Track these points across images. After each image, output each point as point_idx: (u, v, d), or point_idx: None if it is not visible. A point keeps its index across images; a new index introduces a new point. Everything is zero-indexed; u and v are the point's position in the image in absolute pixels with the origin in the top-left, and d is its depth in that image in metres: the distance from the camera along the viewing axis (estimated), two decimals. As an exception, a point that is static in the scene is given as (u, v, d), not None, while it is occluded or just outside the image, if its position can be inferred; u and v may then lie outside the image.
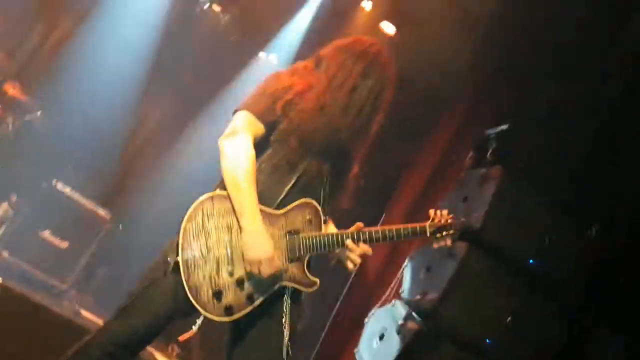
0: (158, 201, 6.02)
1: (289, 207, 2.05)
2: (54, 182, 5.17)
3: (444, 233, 2.18)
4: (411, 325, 2.71)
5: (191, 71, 6.58)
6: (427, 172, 3.67)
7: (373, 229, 2.12)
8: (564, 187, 3.17)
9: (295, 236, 2.03)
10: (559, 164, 3.25)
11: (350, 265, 2.13)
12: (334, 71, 2.16)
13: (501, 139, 3.00)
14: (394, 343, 2.73)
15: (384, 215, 3.59)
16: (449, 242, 2.20)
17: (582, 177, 3.24)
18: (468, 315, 2.75)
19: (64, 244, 5.17)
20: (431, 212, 2.21)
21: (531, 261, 2.90)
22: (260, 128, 2.05)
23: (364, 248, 2.11)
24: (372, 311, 3.07)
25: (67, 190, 5.24)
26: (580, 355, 3.27)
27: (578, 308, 3.06)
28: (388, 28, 5.55)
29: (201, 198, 1.97)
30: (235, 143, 1.98)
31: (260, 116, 2.05)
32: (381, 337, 2.86)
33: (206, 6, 6.83)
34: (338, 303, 3.59)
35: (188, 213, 1.94)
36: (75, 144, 5.86)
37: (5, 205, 5.07)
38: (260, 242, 1.92)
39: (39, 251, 4.96)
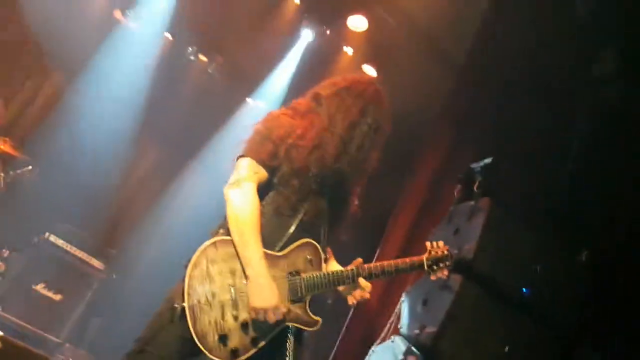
0: (151, 249, 6.03)
1: (289, 248, 2.12)
2: (46, 235, 5.18)
3: (441, 265, 2.27)
4: (411, 359, 2.74)
5: (180, 120, 6.71)
6: (417, 207, 3.77)
7: (372, 265, 2.19)
8: (552, 215, 3.28)
9: (297, 277, 2.10)
10: (544, 193, 3.37)
11: (351, 300, 2.20)
12: (334, 110, 2.24)
13: (486, 172, 3.11)
14: (396, 379, 2.75)
15: (378, 251, 3.65)
16: (445, 272, 2.28)
17: (568, 204, 3.36)
18: (467, 347, 2.79)
19: (58, 297, 5.14)
20: (427, 244, 2.30)
21: (524, 290, 2.97)
22: (263, 174, 2.13)
23: (364, 283, 2.18)
24: (373, 348, 3.09)
25: (60, 242, 5.25)
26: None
27: (569, 331, 3.12)
28: (370, 71, 5.76)
29: (204, 245, 2.03)
30: (241, 192, 2.06)
31: (263, 162, 2.12)
32: (383, 374, 2.89)
33: (193, 57, 7.02)
34: (337, 342, 3.60)
35: (192, 260, 1.99)
36: (67, 196, 5.88)
37: (-3, 261, 5.05)
38: (266, 292, 1.98)
39: (32, 305, 4.92)
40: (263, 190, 2.15)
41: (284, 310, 2.02)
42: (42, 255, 5.12)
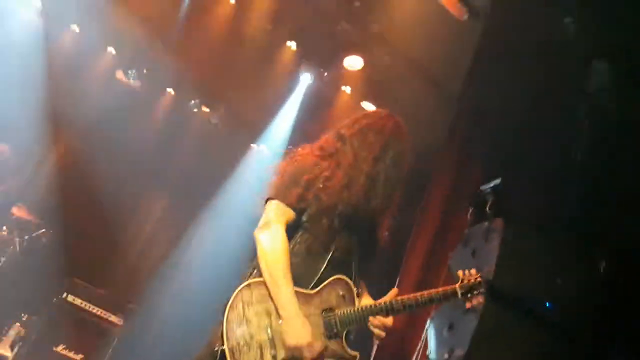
0: (168, 301, 6.03)
1: (322, 285, 2.17)
2: (64, 295, 5.21)
3: (475, 292, 2.28)
4: (444, 384, 2.74)
5: (187, 170, 6.85)
6: (431, 235, 3.81)
7: (405, 297, 2.22)
8: (566, 227, 3.32)
9: (331, 313, 2.14)
10: (555, 207, 3.42)
11: (377, 340, 2.24)
12: (358, 148, 2.30)
13: (496, 192, 3.18)
14: (431, 405, 2.74)
15: (397, 283, 3.68)
16: (481, 299, 2.31)
17: (581, 215, 3.40)
18: (498, 366, 2.78)
19: (79, 357, 5.13)
20: (460, 273, 2.32)
21: (548, 304, 2.98)
22: (291, 215, 2.20)
23: (383, 320, 2.20)
24: (403, 377, 3.09)
25: (78, 301, 5.28)
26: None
27: (596, 343, 3.10)
28: (369, 107, 5.92)
29: (239, 287, 2.10)
30: (270, 234, 2.13)
31: (291, 204, 2.19)
32: (416, 402, 2.87)
33: (195, 109, 7.23)
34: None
35: (229, 303, 2.06)
36: (81, 254, 5.94)
37: (17, 325, 5.07)
38: (299, 330, 2.03)
39: (54, 368, 4.91)
40: (292, 230, 2.21)
41: (318, 347, 2.05)
42: (61, 315, 5.15)
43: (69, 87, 6.37)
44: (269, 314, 2.07)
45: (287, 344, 2.02)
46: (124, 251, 6.49)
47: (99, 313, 5.33)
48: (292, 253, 2.16)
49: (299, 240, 2.21)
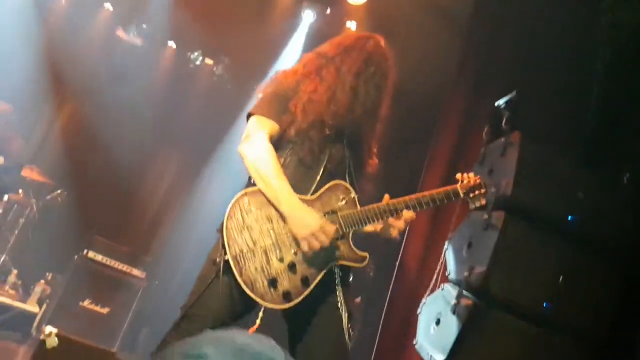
0: (187, 250, 6.07)
1: (320, 191, 2.12)
2: (85, 252, 5.26)
3: (477, 192, 2.29)
4: (465, 302, 2.68)
5: (196, 123, 6.76)
6: (447, 159, 3.70)
7: (407, 197, 2.18)
8: (585, 140, 3.18)
9: (334, 215, 2.09)
10: (575, 119, 3.28)
11: (394, 232, 2.21)
12: (340, 64, 2.28)
13: (512, 107, 3.03)
14: (452, 324, 2.69)
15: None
16: (483, 201, 2.31)
17: (600, 127, 3.26)
18: (519, 282, 2.70)
19: (105, 310, 5.22)
20: (458, 176, 2.32)
21: (570, 217, 2.87)
22: (274, 127, 2.15)
23: (408, 214, 2.18)
24: (423, 300, 3.04)
25: (99, 257, 5.33)
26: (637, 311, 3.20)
27: (630, 258, 3.00)
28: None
29: (235, 197, 2.03)
30: (251, 143, 2.07)
31: (272, 117, 2.15)
32: (437, 322, 2.82)
33: (198, 62, 7.08)
34: (385, 304, 3.56)
35: (227, 212, 2.00)
36: (99, 212, 5.98)
37: (42, 283, 5.16)
38: (306, 217, 1.97)
39: (82, 322, 5.00)
40: (281, 145, 2.17)
41: (332, 228, 1.99)
42: (83, 272, 5.22)
43: (69, 48, 6.27)
44: (270, 219, 2.01)
45: (300, 236, 1.96)
46: (142, 207, 6.52)
47: (120, 267, 5.39)
48: (284, 166, 2.12)
49: (289, 153, 2.16)
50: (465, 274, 2.74)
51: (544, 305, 2.74)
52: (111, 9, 6.64)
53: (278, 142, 2.17)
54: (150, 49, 6.78)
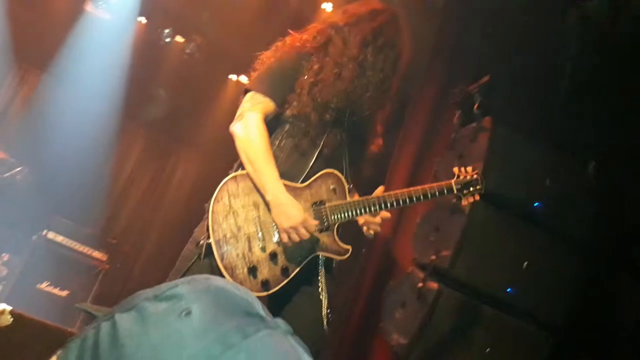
0: (151, 233, 5.94)
1: (311, 179, 2.05)
2: (44, 232, 5.08)
3: (471, 189, 2.16)
4: (430, 285, 2.67)
5: (164, 102, 6.59)
6: (418, 140, 3.69)
7: (399, 192, 2.10)
8: (555, 128, 3.20)
9: (322, 206, 2.03)
10: (545, 107, 3.29)
11: (369, 231, 2.13)
12: (348, 32, 2.13)
13: (484, 92, 3.02)
14: (417, 307, 2.68)
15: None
16: (477, 197, 2.18)
17: (569, 115, 3.29)
18: (485, 265, 2.72)
19: (64, 293, 5.06)
20: (455, 169, 2.20)
21: (536, 204, 2.89)
22: (270, 105, 2.04)
23: (384, 214, 2.10)
24: (390, 284, 3.03)
25: (60, 238, 5.16)
26: (604, 294, 3.26)
27: (593, 244, 3.04)
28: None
29: (225, 180, 1.96)
30: (244, 123, 1.98)
31: (268, 94, 2.03)
32: (403, 306, 2.81)
33: (169, 39, 6.88)
34: (353, 284, 3.54)
35: (214, 195, 1.94)
36: (60, 191, 5.79)
37: (-2, 264, 4.96)
38: (289, 209, 1.92)
39: (40, 304, 4.83)
40: (278, 124, 2.08)
41: (314, 223, 1.94)
42: (42, 253, 5.04)
43: (32, 20, 6.01)
44: (257, 206, 1.95)
45: (282, 227, 1.91)
46: (105, 187, 6.33)
47: (81, 249, 5.23)
48: (278, 148, 2.04)
49: (285, 134, 2.08)
50: (432, 257, 2.73)
51: (508, 290, 2.75)
52: (78, -19, 6.38)
53: (274, 121, 2.07)
54: (119, 23, 6.55)
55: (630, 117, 3.56)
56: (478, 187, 2.18)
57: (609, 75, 3.70)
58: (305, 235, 1.91)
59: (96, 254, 5.26)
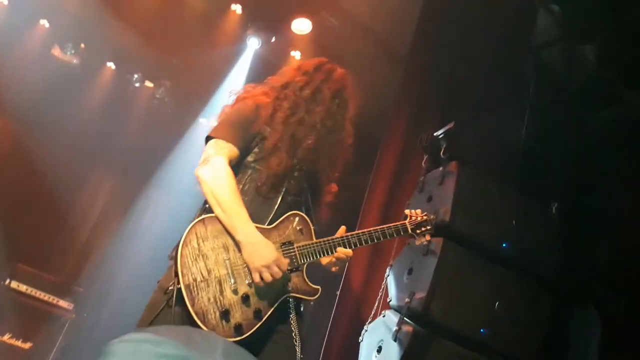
0: (120, 280, 5.80)
1: (278, 220, 2.09)
2: (7, 281, 4.92)
3: (423, 229, 2.34)
4: (406, 328, 2.69)
5: (134, 147, 6.56)
6: (387, 186, 3.78)
7: (360, 231, 2.19)
8: (519, 170, 3.34)
9: (290, 247, 2.06)
10: (508, 150, 3.44)
11: (334, 268, 2.18)
12: (303, 90, 2.26)
13: (450, 137, 3.14)
14: (394, 351, 2.69)
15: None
16: (428, 237, 2.36)
17: (533, 157, 3.44)
18: (458, 307, 2.76)
19: (27, 345, 4.87)
20: (407, 211, 2.38)
21: (504, 245, 2.98)
22: (233, 151, 2.09)
23: (345, 251, 2.16)
24: (365, 328, 3.03)
25: (23, 287, 5.01)
26: (565, 330, 3.36)
27: (559, 285, 3.15)
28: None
29: (192, 223, 1.96)
30: (211, 166, 2.01)
31: (232, 141, 2.09)
32: (379, 350, 2.82)
33: (138, 84, 6.92)
34: (328, 328, 3.53)
35: (182, 239, 1.92)
36: (23, 239, 5.62)
37: (-44, 316, 4.76)
38: (262, 248, 1.94)
39: (1, 358, 4.64)
40: (240, 170, 2.12)
41: (286, 262, 1.97)
42: (5, 303, 4.87)
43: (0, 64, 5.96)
44: (226, 248, 1.96)
45: (254, 267, 1.92)
46: (71, 234, 6.18)
47: (46, 299, 5.07)
48: (242, 192, 2.08)
49: (248, 179, 2.12)
50: (407, 300, 2.77)
51: (481, 330, 2.80)
52: (47, 25, 6.39)
53: (236, 167, 2.11)
54: (88, 69, 6.56)
55: (589, 158, 3.75)
56: (429, 227, 2.38)
57: (566, 118, 3.92)
58: (278, 274, 1.92)
59: (62, 302, 5.11)
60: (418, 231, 2.35)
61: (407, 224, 2.33)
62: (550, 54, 4.29)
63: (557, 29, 4.19)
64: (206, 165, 2.02)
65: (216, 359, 0.68)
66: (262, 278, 1.92)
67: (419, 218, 2.37)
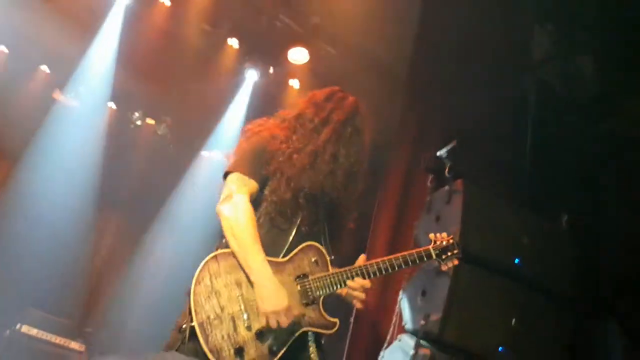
0: (131, 318, 5.76)
1: (292, 253, 2.07)
2: (17, 326, 4.89)
3: (449, 254, 2.20)
4: (423, 352, 2.67)
5: (138, 184, 6.59)
6: (394, 204, 3.78)
7: (380, 260, 2.12)
8: (524, 184, 3.35)
9: (305, 280, 2.04)
10: (511, 169, 3.45)
11: (358, 304, 2.11)
12: (316, 122, 2.23)
13: (454, 156, 3.16)
14: (412, 375, 2.66)
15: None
16: (456, 261, 2.22)
17: (538, 172, 3.45)
18: (474, 327, 2.74)
19: (41, 391, 4.81)
20: (431, 236, 2.24)
21: (517, 261, 2.97)
22: (254, 186, 2.10)
23: (362, 282, 2.09)
24: (381, 354, 3.00)
25: (34, 331, 4.97)
26: (588, 345, 3.31)
27: (575, 298, 3.12)
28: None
29: (205, 260, 1.96)
30: (232, 204, 2.02)
31: (251, 176, 2.10)
32: (398, 374, 2.79)
33: (139, 122, 6.99)
34: (344, 358, 3.48)
35: (195, 276, 1.92)
36: (33, 283, 5.61)
37: (-32, 364, 4.72)
38: (274, 293, 1.92)
39: (14, 405, 4.59)
40: (255, 202, 2.12)
41: (296, 312, 1.95)
42: (16, 348, 4.82)
43: (2, 110, 6.04)
44: (239, 285, 1.95)
45: (263, 310, 1.90)
46: (79, 273, 6.16)
47: (57, 341, 5.02)
48: (258, 225, 2.06)
49: (263, 212, 2.12)
50: (422, 322, 2.75)
51: (499, 349, 2.77)
52: (48, 71, 6.51)
53: (256, 201, 2.12)
54: (89, 110, 6.63)
55: (596, 168, 3.76)
56: (455, 251, 2.22)
57: (568, 132, 3.94)
58: (285, 323, 1.90)
59: (73, 344, 5.06)
60: (444, 256, 2.19)
61: (432, 249, 2.18)
62: (548, 70, 4.33)
63: (553, 46, 4.24)
64: (228, 202, 2.03)
65: None
66: (269, 324, 1.91)
67: (444, 242, 2.20)
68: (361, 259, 2.16)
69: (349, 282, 2.07)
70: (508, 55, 4.10)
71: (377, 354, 3.02)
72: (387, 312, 3.29)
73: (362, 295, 2.12)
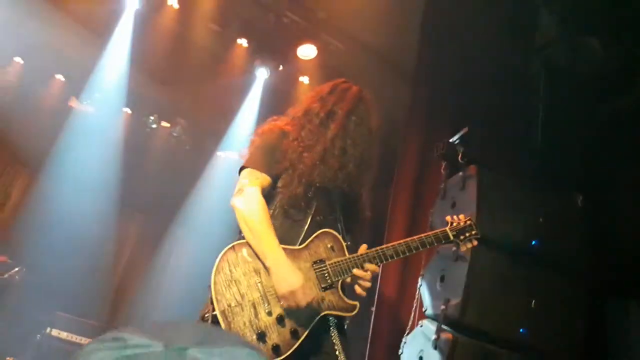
0: (155, 315, 5.88)
1: (308, 240, 2.13)
2: (48, 330, 5.03)
3: (467, 235, 2.24)
4: (445, 336, 2.71)
5: (156, 186, 6.71)
6: (409, 193, 3.81)
7: (396, 243, 2.16)
8: (537, 167, 3.36)
9: (322, 265, 2.09)
10: (524, 148, 3.46)
11: (359, 289, 2.14)
12: (323, 115, 2.29)
13: (466, 141, 3.18)
14: (435, 359, 2.70)
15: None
16: (475, 242, 2.25)
17: (550, 155, 3.45)
18: (494, 309, 2.77)
19: (73, 391, 4.94)
20: (448, 218, 2.28)
21: (533, 242, 2.99)
22: (266, 180, 2.18)
23: (372, 268, 2.13)
24: (404, 340, 3.05)
25: (64, 335, 5.10)
26: (604, 322, 3.32)
27: (593, 277, 3.12)
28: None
29: (223, 251, 2.04)
30: (244, 196, 2.10)
31: (264, 170, 2.18)
32: (420, 359, 2.83)
33: (154, 125, 7.10)
34: (367, 345, 3.54)
35: (215, 267, 1.99)
36: (61, 287, 5.75)
37: (2, 368, 4.87)
38: (288, 275, 1.98)
39: (48, 405, 4.72)
40: (269, 196, 2.19)
41: (313, 291, 2.01)
42: (47, 351, 4.96)
43: (21, 120, 6.19)
44: (257, 272, 2.01)
45: (279, 293, 1.96)
46: (104, 276, 6.31)
47: (86, 342, 5.15)
48: (272, 217, 2.13)
49: (277, 204, 2.18)
50: (442, 307, 2.78)
51: (521, 330, 2.80)
52: (63, 79, 6.65)
53: (270, 194, 2.19)
54: (105, 116, 6.76)
55: (606, 147, 3.75)
56: (473, 232, 2.25)
57: (580, 109, 3.92)
58: (302, 303, 1.95)
59: (102, 346, 5.19)
60: (462, 237, 2.22)
61: (449, 231, 2.21)
62: (556, 50, 4.32)
63: (560, 26, 4.23)
64: (240, 195, 2.11)
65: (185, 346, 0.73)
66: (287, 305, 1.96)
67: (461, 223, 2.24)
68: (362, 249, 2.19)
69: (354, 271, 2.10)
70: (515, 37, 4.10)
71: (400, 340, 3.06)
72: (407, 299, 3.33)
73: (368, 283, 2.16)
